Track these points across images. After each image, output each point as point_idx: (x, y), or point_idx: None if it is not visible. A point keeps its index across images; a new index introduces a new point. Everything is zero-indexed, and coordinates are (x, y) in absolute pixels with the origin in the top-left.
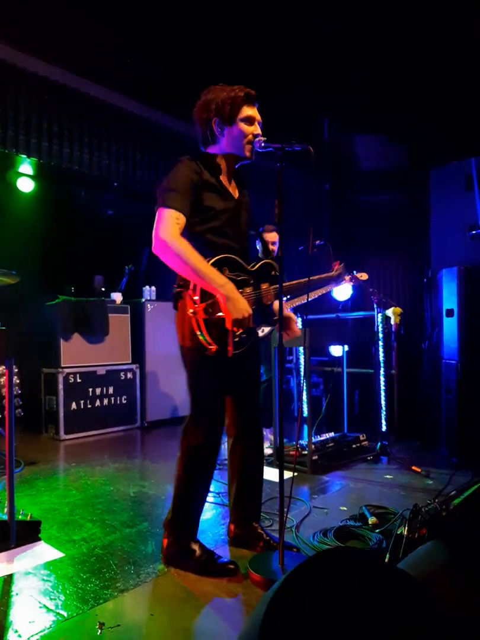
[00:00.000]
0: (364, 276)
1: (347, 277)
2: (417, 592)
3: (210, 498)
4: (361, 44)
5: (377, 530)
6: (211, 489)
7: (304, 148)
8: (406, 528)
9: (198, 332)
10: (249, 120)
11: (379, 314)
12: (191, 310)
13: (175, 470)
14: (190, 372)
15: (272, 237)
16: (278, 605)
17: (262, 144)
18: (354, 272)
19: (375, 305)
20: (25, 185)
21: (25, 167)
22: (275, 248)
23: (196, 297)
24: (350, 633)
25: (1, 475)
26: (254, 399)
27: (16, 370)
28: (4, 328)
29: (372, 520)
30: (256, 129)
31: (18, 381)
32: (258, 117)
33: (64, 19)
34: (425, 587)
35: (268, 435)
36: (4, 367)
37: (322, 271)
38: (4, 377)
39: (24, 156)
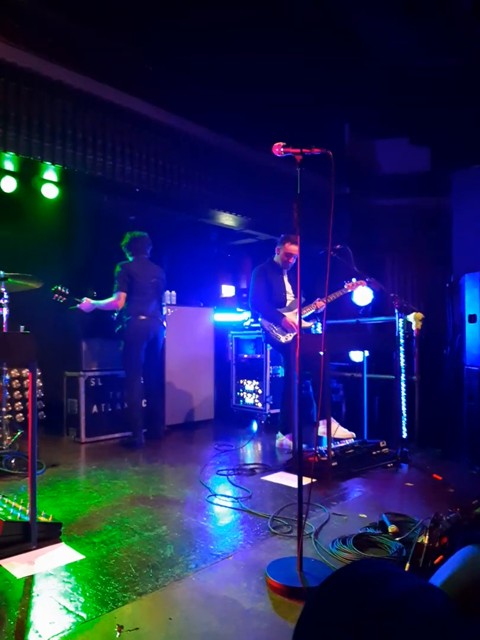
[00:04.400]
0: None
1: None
2: (453, 613)
3: (228, 503)
4: (384, 43)
5: (397, 539)
6: (229, 493)
7: (324, 153)
8: (427, 537)
9: None
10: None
11: (400, 320)
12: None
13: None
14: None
15: (295, 249)
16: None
17: (282, 149)
18: (354, 279)
19: (396, 311)
20: (50, 191)
21: (50, 173)
22: (292, 261)
23: None
24: None
25: (23, 477)
26: None
27: (39, 373)
28: (27, 332)
29: (392, 528)
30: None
31: (41, 384)
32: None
33: (87, 28)
34: (465, 602)
35: (287, 440)
36: (27, 370)
37: (342, 274)
38: (27, 380)
39: (48, 163)
